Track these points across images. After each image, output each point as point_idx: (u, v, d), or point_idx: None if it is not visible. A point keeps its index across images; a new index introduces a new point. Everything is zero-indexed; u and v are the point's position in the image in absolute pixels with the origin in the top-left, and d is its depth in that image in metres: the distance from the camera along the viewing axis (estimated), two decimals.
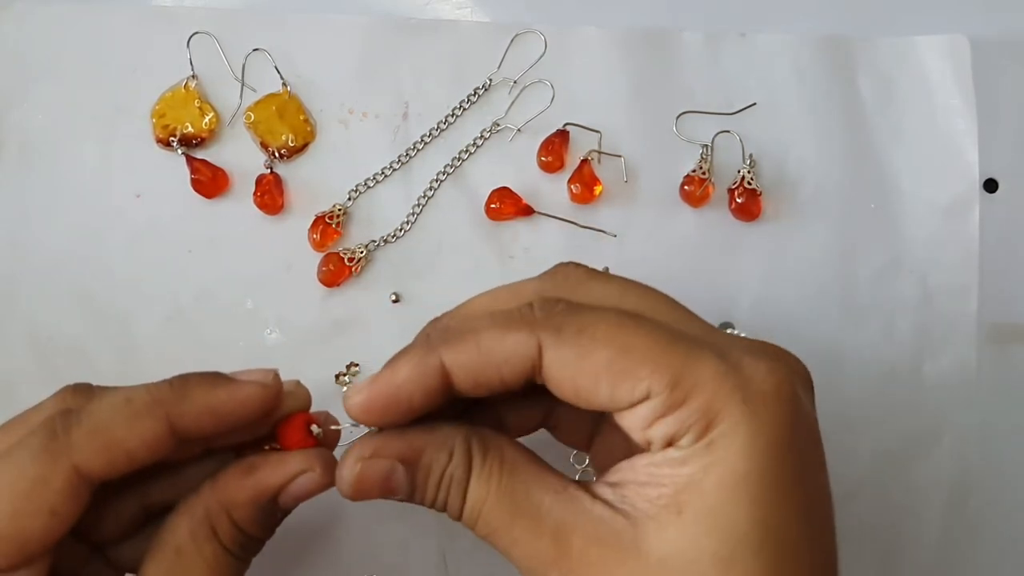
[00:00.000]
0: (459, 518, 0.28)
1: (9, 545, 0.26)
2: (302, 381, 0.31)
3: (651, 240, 0.42)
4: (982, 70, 0.42)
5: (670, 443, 0.25)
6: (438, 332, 0.29)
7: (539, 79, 0.43)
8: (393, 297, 0.41)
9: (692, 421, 0.25)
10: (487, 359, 0.26)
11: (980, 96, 0.42)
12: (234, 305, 0.41)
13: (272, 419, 0.30)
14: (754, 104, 0.42)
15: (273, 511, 0.29)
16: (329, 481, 0.29)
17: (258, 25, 0.42)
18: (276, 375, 0.30)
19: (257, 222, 0.42)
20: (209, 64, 0.42)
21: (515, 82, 0.43)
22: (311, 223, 0.41)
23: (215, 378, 0.29)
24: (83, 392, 0.29)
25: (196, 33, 0.42)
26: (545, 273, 0.30)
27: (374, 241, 0.42)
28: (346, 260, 0.41)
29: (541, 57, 0.43)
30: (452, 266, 0.42)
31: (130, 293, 0.41)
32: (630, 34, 0.43)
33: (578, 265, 0.30)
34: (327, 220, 0.41)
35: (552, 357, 0.26)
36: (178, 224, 0.41)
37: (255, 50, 0.42)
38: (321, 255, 0.41)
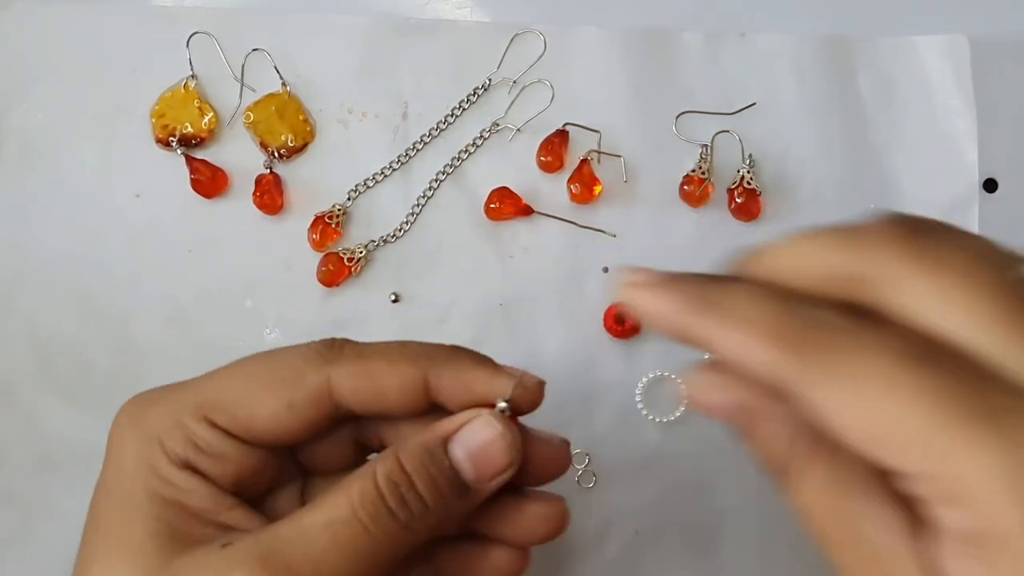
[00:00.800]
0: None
1: (244, 414, 0.28)
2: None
3: (650, 240, 0.42)
4: (982, 70, 0.42)
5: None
6: None
7: (539, 79, 0.43)
8: (393, 297, 0.41)
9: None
10: None
11: (980, 96, 0.42)
12: (234, 305, 0.41)
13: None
14: (754, 104, 0.42)
15: (448, 471, 0.27)
16: (505, 434, 0.28)
17: (258, 25, 0.42)
18: (540, 384, 0.30)
19: (257, 222, 0.42)
20: (209, 64, 0.42)
21: (515, 82, 0.43)
22: (311, 223, 0.41)
23: (483, 359, 0.30)
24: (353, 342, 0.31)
25: (196, 33, 0.42)
26: None
27: (373, 241, 0.42)
28: (346, 260, 0.41)
29: (541, 57, 0.43)
30: (452, 266, 0.42)
31: (130, 293, 0.41)
32: (630, 34, 0.43)
33: None
34: (327, 220, 0.41)
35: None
36: (178, 224, 0.42)
37: (254, 50, 0.42)
38: (321, 255, 0.41)
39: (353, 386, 0.29)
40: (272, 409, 0.29)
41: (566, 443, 0.31)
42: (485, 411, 0.28)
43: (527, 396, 0.29)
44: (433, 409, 0.30)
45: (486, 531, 0.31)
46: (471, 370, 0.29)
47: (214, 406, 0.29)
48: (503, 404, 0.29)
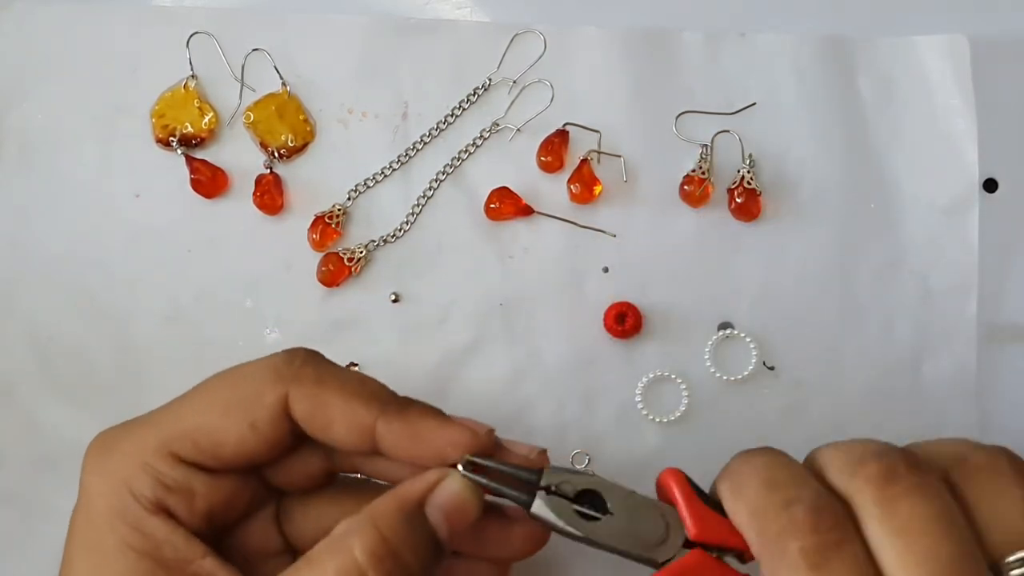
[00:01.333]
0: None
1: (207, 441, 0.28)
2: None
3: (650, 240, 0.42)
4: (982, 70, 0.42)
5: None
6: None
7: (539, 79, 0.42)
8: (393, 297, 0.41)
9: None
10: None
11: (980, 96, 0.42)
12: (234, 305, 0.41)
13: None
14: (754, 104, 0.42)
15: (428, 534, 0.28)
16: (476, 490, 0.29)
17: (257, 25, 0.42)
18: (491, 432, 0.30)
19: (257, 222, 0.42)
20: (209, 64, 0.42)
21: (515, 82, 0.43)
22: (311, 223, 0.41)
23: (434, 410, 0.30)
24: (320, 357, 0.31)
25: (196, 33, 0.42)
26: None
27: (374, 241, 0.42)
28: (346, 260, 0.41)
29: (541, 57, 0.43)
30: (452, 266, 0.42)
31: (130, 293, 0.41)
32: (630, 34, 0.43)
33: None
34: (327, 220, 0.41)
35: None
36: (178, 224, 0.42)
37: (254, 50, 0.42)
38: (321, 255, 0.41)
39: (306, 410, 0.29)
40: (236, 432, 0.28)
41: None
42: (454, 471, 0.28)
43: (479, 443, 0.29)
44: (376, 451, 0.30)
45: (469, 551, 0.31)
46: (421, 420, 0.29)
47: (177, 439, 0.28)
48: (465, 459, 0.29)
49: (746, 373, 0.41)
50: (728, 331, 0.41)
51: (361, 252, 0.41)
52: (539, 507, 0.28)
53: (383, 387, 0.30)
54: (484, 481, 0.29)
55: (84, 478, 0.29)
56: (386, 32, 0.43)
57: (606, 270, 0.42)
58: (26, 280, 0.41)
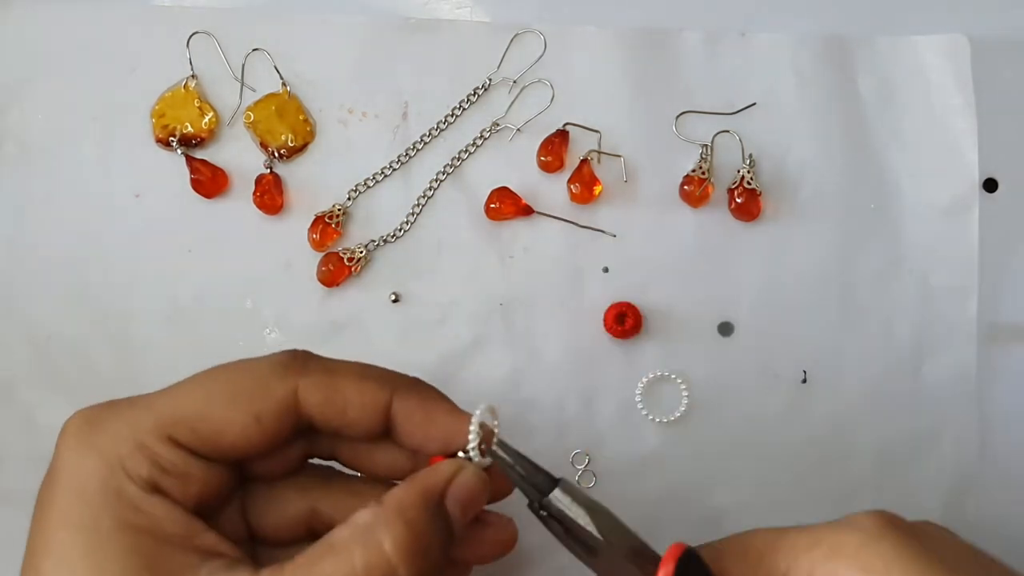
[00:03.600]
0: None
1: (208, 429, 0.28)
2: None
3: (651, 240, 0.42)
4: (982, 70, 0.42)
5: None
6: None
7: (539, 79, 0.42)
8: (393, 297, 0.41)
9: None
10: None
11: (980, 96, 0.42)
12: (233, 305, 0.41)
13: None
14: (754, 104, 0.42)
15: (449, 528, 0.28)
16: (488, 481, 0.29)
17: (258, 25, 0.42)
18: (491, 431, 0.30)
19: (257, 222, 0.42)
20: (209, 64, 0.42)
21: (515, 82, 0.43)
22: (311, 223, 0.41)
23: (444, 398, 0.30)
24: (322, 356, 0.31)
25: (196, 33, 0.42)
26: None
27: (374, 241, 0.42)
28: (346, 260, 0.41)
29: (541, 57, 0.43)
30: (452, 266, 0.42)
31: (129, 293, 0.41)
32: (630, 34, 0.43)
33: None
34: (327, 220, 0.41)
35: None
36: (177, 224, 0.41)
37: (255, 50, 0.42)
38: (321, 255, 0.41)
39: (320, 399, 0.29)
40: (240, 423, 0.28)
41: (511, 523, 0.31)
42: (469, 463, 0.29)
43: (486, 432, 0.30)
44: (384, 436, 0.30)
45: None
46: (435, 401, 0.30)
47: (175, 423, 0.28)
48: (473, 449, 0.29)
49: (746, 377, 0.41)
50: (729, 331, 0.41)
51: (361, 252, 0.41)
52: (556, 497, 0.28)
53: (389, 370, 0.31)
54: (508, 464, 0.29)
55: (65, 455, 0.28)
56: (386, 32, 0.43)
57: (606, 270, 0.42)
58: (26, 279, 0.41)
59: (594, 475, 0.40)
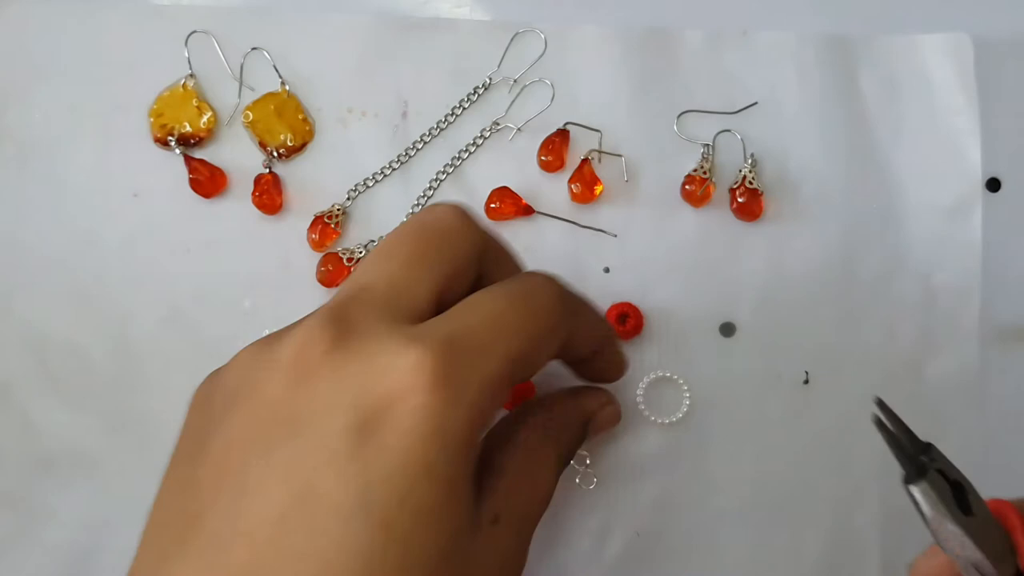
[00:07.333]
0: None
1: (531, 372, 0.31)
2: None
3: (652, 240, 0.42)
4: (985, 69, 0.42)
5: None
6: None
7: (539, 78, 0.42)
8: None
9: None
10: None
11: (983, 95, 0.42)
12: (232, 305, 0.41)
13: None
14: (755, 103, 0.42)
15: (581, 439, 0.35)
16: (617, 423, 0.37)
17: (257, 24, 0.42)
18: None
19: (255, 222, 0.42)
20: (207, 63, 0.42)
21: (515, 81, 0.42)
22: (310, 223, 0.41)
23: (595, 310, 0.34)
24: None
25: (194, 32, 0.42)
26: None
27: (373, 241, 0.42)
28: (345, 260, 0.41)
29: (541, 56, 0.42)
30: None
31: (127, 293, 0.41)
32: (631, 32, 0.42)
33: None
34: (326, 220, 0.41)
35: None
36: (176, 224, 0.41)
37: (253, 49, 0.42)
38: (320, 255, 0.41)
39: (570, 334, 0.32)
40: (548, 355, 0.31)
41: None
42: (615, 402, 0.37)
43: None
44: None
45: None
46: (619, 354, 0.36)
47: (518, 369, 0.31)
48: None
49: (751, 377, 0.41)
50: (731, 332, 0.41)
51: (361, 252, 0.41)
52: (923, 488, 0.29)
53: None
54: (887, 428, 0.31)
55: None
56: (385, 31, 0.42)
57: (607, 270, 0.42)
58: (23, 280, 0.41)
59: (595, 476, 0.40)
